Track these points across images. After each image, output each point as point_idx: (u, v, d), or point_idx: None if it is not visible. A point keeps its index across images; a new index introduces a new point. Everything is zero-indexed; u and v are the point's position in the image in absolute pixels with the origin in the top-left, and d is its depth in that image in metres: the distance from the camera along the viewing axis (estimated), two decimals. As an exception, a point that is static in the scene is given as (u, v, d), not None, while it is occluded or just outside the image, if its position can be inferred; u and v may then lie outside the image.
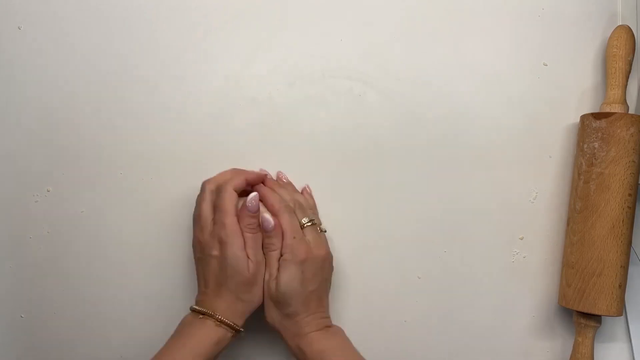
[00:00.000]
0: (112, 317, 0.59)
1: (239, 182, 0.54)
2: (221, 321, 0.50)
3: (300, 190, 0.58)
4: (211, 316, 0.51)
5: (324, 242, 0.55)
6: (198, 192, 0.59)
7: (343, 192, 0.59)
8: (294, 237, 0.52)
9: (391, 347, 0.58)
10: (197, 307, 0.52)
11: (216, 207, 0.53)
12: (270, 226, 0.52)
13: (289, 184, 0.58)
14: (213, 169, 0.58)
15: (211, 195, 0.53)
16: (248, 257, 0.52)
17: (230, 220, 0.52)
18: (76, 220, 0.59)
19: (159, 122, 0.59)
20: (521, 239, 0.59)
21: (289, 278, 0.51)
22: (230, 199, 0.52)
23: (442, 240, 0.59)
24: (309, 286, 0.52)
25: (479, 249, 0.59)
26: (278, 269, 0.52)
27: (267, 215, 0.52)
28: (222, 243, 0.51)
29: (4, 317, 0.59)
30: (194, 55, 0.59)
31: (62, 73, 0.59)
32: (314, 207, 0.58)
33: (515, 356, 0.59)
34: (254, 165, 0.58)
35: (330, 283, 0.55)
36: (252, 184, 0.56)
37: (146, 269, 0.58)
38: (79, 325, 0.59)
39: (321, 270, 0.53)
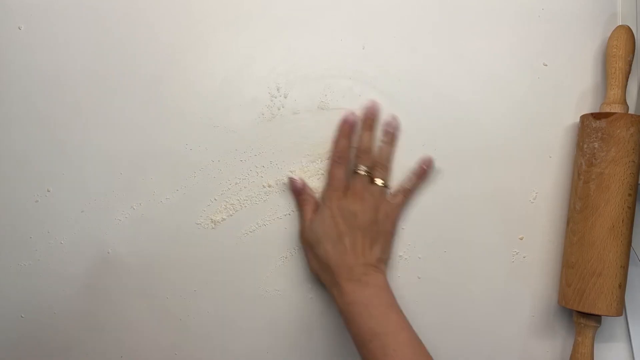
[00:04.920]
0: (112, 317, 0.59)
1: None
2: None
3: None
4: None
5: (367, 193, 0.55)
6: (198, 192, 0.59)
7: (343, 192, 0.59)
8: (331, 185, 0.55)
9: (391, 347, 0.58)
10: None
11: None
12: (294, 187, 0.57)
13: (390, 133, 0.58)
14: (213, 169, 0.58)
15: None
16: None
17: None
18: (76, 220, 0.59)
19: (159, 122, 0.59)
20: (521, 239, 0.59)
21: (318, 219, 0.54)
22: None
23: (442, 240, 0.59)
24: (337, 228, 0.53)
25: (479, 249, 0.59)
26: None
27: (294, 177, 0.57)
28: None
29: (4, 317, 0.59)
30: (194, 55, 0.59)
31: (62, 73, 0.59)
32: (385, 161, 0.57)
33: (515, 356, 0.59)
34: (253, 164, 0.58)
35: (376, 235, 0.54)
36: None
37: (146, 268, 0.58)
38: (79, 325, 0.59)
39: (353, 218, 0.53)
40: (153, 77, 0.59)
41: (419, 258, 0.59)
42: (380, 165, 0.57)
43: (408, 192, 0.58)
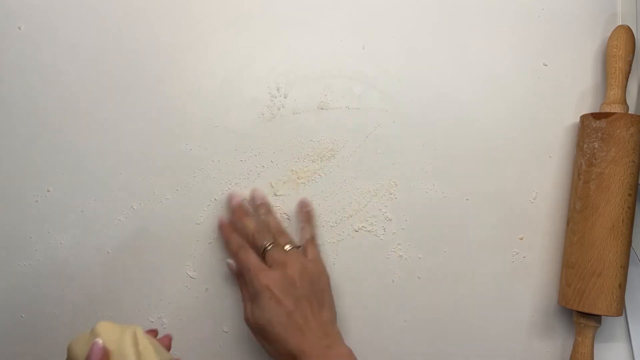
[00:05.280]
0: (112, 317, 0.59)
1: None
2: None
3: (301, 206, 0.57)
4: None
5: (288, 260, 0.52)
6: (198, 192, 0.59)
7: (342, 192, 0.59)
8: (250, 269, 0.52)
9: (391, 347, 0.58)
10: None
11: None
12: (232, 271, 0.55)
13: (262, 205, 0.57)
14: (213, 169, 0.58)
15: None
16: None
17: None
18: (76, 220, 0.59)
19: (159, 122, 0.59)
20: (521, 239, 0.59)
21: (257, 307, 0.50)
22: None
23: (442, 240, 0.59)
24: (283, 308, 0.50)
25: (479, 249, 0.59)
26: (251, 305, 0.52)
27: (229, 261, 0.55)
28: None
29: (4, 317, 0.59)
30: (194, 55, 0.59)
31: (62, 73, 0.59)
32: (278, 228, 0.56)
33: (515, 356, 0.59)
34: (253, 164, 0.58)
35: (319, 296, 0.52)
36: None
37: (146, 269, 0.58)
38: (79, 325, 0.59)
39: (291, 288, 0.51)
40: (153, 77, 0.59)
41: (419, 258, 0.59)
42: (278, 233, 0.55)
43: (313, 239, 0.56)
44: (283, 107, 0.59)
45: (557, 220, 0.59)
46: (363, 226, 0.59)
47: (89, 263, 0.59)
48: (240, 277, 0.54)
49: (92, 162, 0.59)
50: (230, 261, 0.55)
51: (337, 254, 0.58)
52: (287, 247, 0.54)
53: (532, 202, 0.59)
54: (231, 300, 0.58)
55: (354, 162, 0.59)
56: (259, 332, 0.51)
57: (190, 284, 0.58)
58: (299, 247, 0.55)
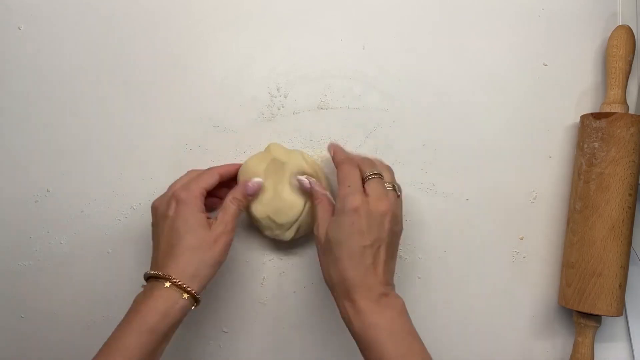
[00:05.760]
0: (112, 317, 0.59)
1: (225, 169, 0.54)
2: (172, 282, 0.46)
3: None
4: (160, 278, 0.47)
5: (387, 198, 0.49)
6: (198, 192, 0.58)
7: (343, 192, 0.59)
8: (349, 186, 0.49)
9: (391, 347, 0.58)
10: (146, 273, 0.48)
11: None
12: (304, 187, 0.53)
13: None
14: (213, 169, 0.58)
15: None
16: (209, 218, 0.50)
17: (195, 184, 0.51)
18: (76, 220, 0.59)
19: (159, 122, 0.59)
20: (521, 239, 0.59)
21: (336, 225, 0.48)
22: (210, 174, 0.52)
23: (442, 240, 0.59)
24: (360, 239, 0.47)
25: (479, 249, 0.59)
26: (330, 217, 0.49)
27: (300, 178, 0.53)
28: (178, 202, 0.50)
29: (4, 317, 0.59)
30: (195, 55, 0.59)
31: (62, 73, 0.59)
32: (388, 171, 0.53)
33: (515, 356, 0.59)
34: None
35: (394, 247, 0.50)
36: (233, 176, 0.55)
37: (146, 269, 0.58)
38: (79, 325, 0.59)
39: (378, 226, 0.48)
40: (153, 77, 0.59)
41: (419, 258, 0.59)
42: (385, 168, 0.53)
43: (399, 189, 0.53)
44: (283, 107, 0.59)
45: (557, 220, 0.59)
46: (363, 226, 0.59)
47: (89, 263, 0.59)
48: (312, 193, 0.52)
49: (92, 162, 0.59)
50: (303, 178, 0.53)
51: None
52: (389, 186, 0.51)
53: (532, 202, 0.59)
54: (231, 300, 0.58)
55: (354, 162, 0.59)
56: (327, 248, 0.48)
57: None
58: (398, 194, 0.52)
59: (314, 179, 0.54)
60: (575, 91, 0.60)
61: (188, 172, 0.54)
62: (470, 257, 0.59)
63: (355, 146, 0.59)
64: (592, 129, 0.55)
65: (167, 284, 0.47)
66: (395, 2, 0.60)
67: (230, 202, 0.52)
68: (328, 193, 0.53)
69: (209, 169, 0.54)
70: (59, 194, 0.59)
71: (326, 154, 0.56)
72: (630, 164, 0.54)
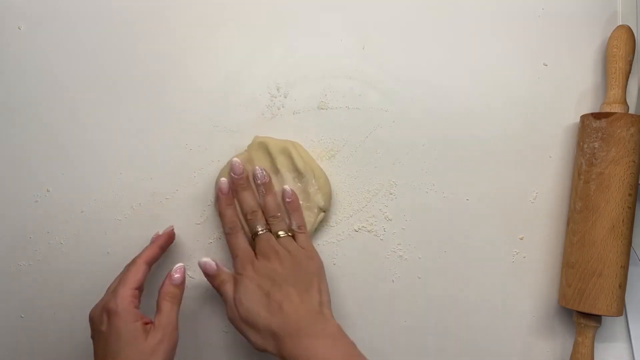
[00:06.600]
0: (112, 317, 0.59)
1: (150, 253, 0.53)
2: None
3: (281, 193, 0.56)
4: None
5: (277, 246, 0.53)
6: (198, 192, 0.59)
7: (342, 192, 0.59)
8: (238, 256, 0.53)
9: (391, 347, 0.58)
10: None
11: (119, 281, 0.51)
12: (207, 271, 0.53)
13: (263, 184, 0.55)
14: (213, 169, 0.58)
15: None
16: (147, 323, 0.48)
17: (123, 289, 0.49)
18: (76, 220, 0.59)
19: (159, 122, 0.59)
20: (521, 239, 0.59)
21: (240, 292, 0.51)
22: (135, 271, 0.51)
23: (442, 240, 0.59)
24: (266, 291, 0.50)
25: (479, 249, 0.59)
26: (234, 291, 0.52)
27: (205, 260, 0.53)
28: (109, 314, 0.48)
29: (4, 317, 0.59)
30: (194, 55, 0.59)
31: (62, 73, 0.59)
32: (274, 211, 0.54)
33: (515, 356, 0.59)
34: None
35: (306, 280, 0.52)
36: (165, 246, 0.55)
37: (146, 269, 0.59)
38: (79, 325, 0.59)
39: (275, 272, 0.51)
40: (153, 77, 0.59)
41: (419, 258, 0.59)
42: (273, 217, 0.54)
43: (302, 227, 0.55)
44: (283, 107, 0.59)
45: (557, 220, 0.59)
46: (363, 226, 0.59)
47: (89, 263, 0.59)
48: (216, 277, 0.53)
49: (92, 162, 0.59)
50: (207, 261, 0.53)
51: (337, 254, 0.58)
52: (281, 233, 0.54)
53: (532, 202, 0.59)
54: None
55: (354, 162, 0.59)
56: (243, 320, 0.50)
57: (190, 284, 0.58)
58: (290, 234, 0.54)
59: (214, 260, 0.54)
60: (575, 91, 0.60)
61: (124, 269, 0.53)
62: (470, 257, 0.59)
63: (355, 146, 0.59)
64: (592, 129, 0.55)
65: None
66: (395, 2, 0.60)
67: (163, 301, 0.50)
68: (230, 272, 0.54)
69: (133, 262, 0.52)
70: (59, 194, 0.59)
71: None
72: (630, 164, 0.54)
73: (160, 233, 0.56)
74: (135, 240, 0.58)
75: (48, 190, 0.59)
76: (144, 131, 0.59)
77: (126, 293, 0.49)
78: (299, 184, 0.56)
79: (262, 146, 0.56)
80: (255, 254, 0.53)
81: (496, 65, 0.60)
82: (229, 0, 0.60)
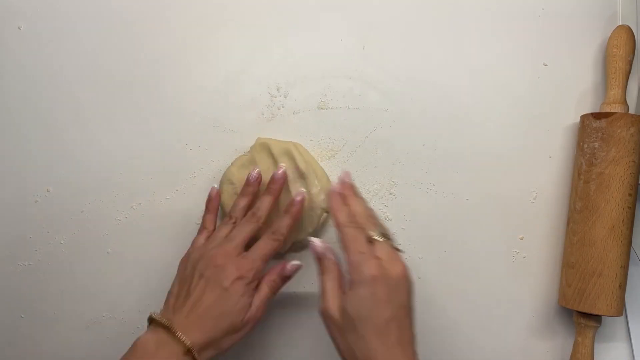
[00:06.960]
0: (112, 317, 0.59)
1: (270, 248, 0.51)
2: (189, 350, 0.45)
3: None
4: (174, 336, 0.45)
5: (400, 259, 0.46)
6: (198, 192, 0.59)
7: (343, 192, 0.59)
8: (361, 253, 0.45)
9: (391, 347, 0.58)
10: (162, 319, 0.46)
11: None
12: (314, 251, 0.48)
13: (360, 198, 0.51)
14: (213, 169, 0.58)
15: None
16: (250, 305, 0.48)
17: (261, 264, 0.49)
18: (76, 220, 0.59)
19: (159, 122, 0.59)
20: (521, 239, 0.59)
21: (356, 298, 0.43)
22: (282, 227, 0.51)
23: (442, 240, 0.59)
24: (383, 311, 0.43)
25: (479, 249, 0.59)
26: (344, 292, 0.45)
27: (313, 239, 0.48)
28: (239, 277, 0.48)
29: (4, 317, 0.59)
30: (194, 55, 0.59)
31: (62, 73, 0.59)
32: (377, 219, 0.49)
33: (515, 356, 0.59)
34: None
35: (412, 312, 0.46)
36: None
37: (147, 269, 0.58)
38: (79, 325, 0.59)
39: (396, 292, 0.44)
40: (153, 77, 0.59)
41: (419, 258, 0.59)
42: (384, 229, 0.48)
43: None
44: (283, 107, 0.59)
45: (557, 220, 0.59)
46: (363, 226, 0.59)
47: (89, 263, 0.59)
48: (322, 259, 0.48)
49: (92, 162, 0.59)
50: (315, 240, 0.48)
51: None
52: (396, 246, 0.47)
53: (532, 202, 0.59)
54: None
55: (354, 162, 0.59)
56: (347, 325, 0.43)
57: (190, 284, 0.58)
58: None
59: (329, 244, 0.48)
60: (575, 91, 0.60)
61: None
62: (470, 257, 0.59)
63: (355, 146, 0.59)
64: (592, 129, 0.55)
65: (185, 351, 0.45)
66: (395, 2, 0.60)
67: (266, 284, 0.50)
68: (338, 262, 0.48)
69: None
70: (59, 194, 0.59)
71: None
72: (630, 164, 0.54)
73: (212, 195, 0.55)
74: (135, 240, 0.58)
75: (48, 190, 0.59)
76: (144, 131, 0.59)
77: (262, 267, 0.50)
78: (301, 187, 0.55)
79: (265, 147, 0.56)
80: (377, 259, 0.46)
81: (496, 65, 0.60)
82: (229, 0, 0.60)
